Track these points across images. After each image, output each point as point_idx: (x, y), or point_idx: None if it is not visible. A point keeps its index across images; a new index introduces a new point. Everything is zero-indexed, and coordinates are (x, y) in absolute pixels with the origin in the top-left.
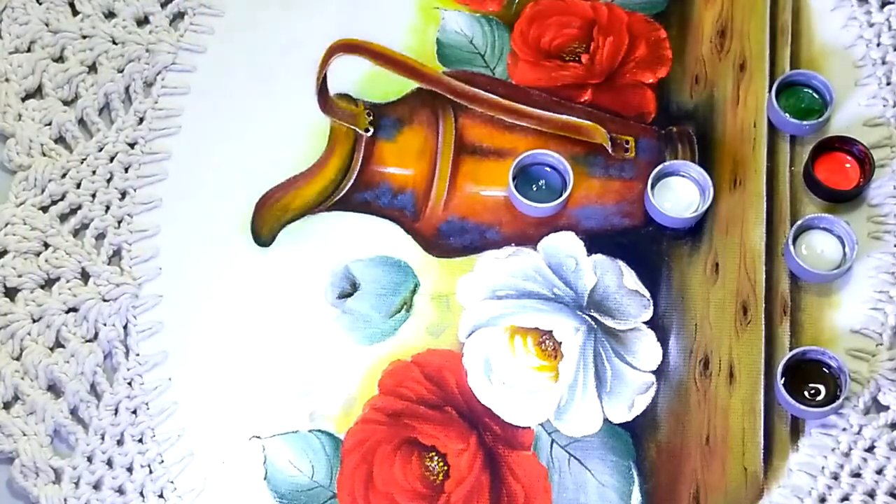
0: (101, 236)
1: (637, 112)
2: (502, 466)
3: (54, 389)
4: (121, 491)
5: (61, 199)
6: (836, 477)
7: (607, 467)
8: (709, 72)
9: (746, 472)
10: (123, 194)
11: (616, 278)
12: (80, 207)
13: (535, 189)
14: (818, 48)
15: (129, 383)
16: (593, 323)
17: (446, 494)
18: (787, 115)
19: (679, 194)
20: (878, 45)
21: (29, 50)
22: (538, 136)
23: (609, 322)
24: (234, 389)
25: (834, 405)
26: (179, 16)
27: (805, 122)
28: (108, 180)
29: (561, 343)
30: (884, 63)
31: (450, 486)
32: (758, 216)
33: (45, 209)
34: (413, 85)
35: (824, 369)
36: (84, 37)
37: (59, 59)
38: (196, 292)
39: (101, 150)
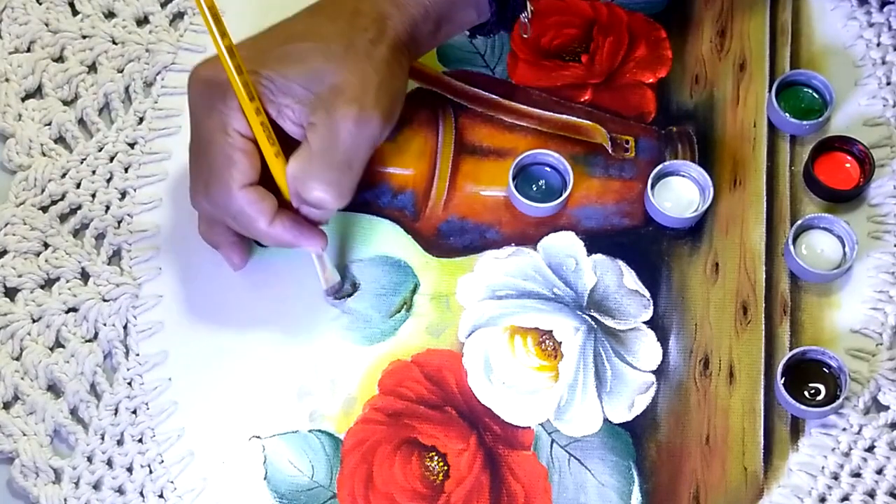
0: (100, 236)
1: (637, 112)
2: (502, 466)
3: (54, 389)
4: (121, 491)
5: (61, 199)
6: (836, 477)
7: (607, 467)
8: (709, 71)
9: (746, 472)
10: (123, 194)
11: (616, 278)
12: (79, 207)
13: (534, 189)
14: (818, 48)
15: (129, 383)
16: (593, 323)
17: (446, 494)
18: (787, 114)
19: (679, 194)
20: (878, 44)
21: (29, 50)
22: (538, 136)
23: (609, 322)
24: (233, 389)
25: (834, 405)
26: (179, 16)
27: (805, 122)
28: (108, 180)
29: (561, 343)
30: (884, 63)
31: (450, 485)
32: (758, 216)
33: (44, 209)
34: (413, 85)
35: (824, 369)
36: (84, 37)
37: (59, 59)
38: (196, 292)
39: (100, 150)
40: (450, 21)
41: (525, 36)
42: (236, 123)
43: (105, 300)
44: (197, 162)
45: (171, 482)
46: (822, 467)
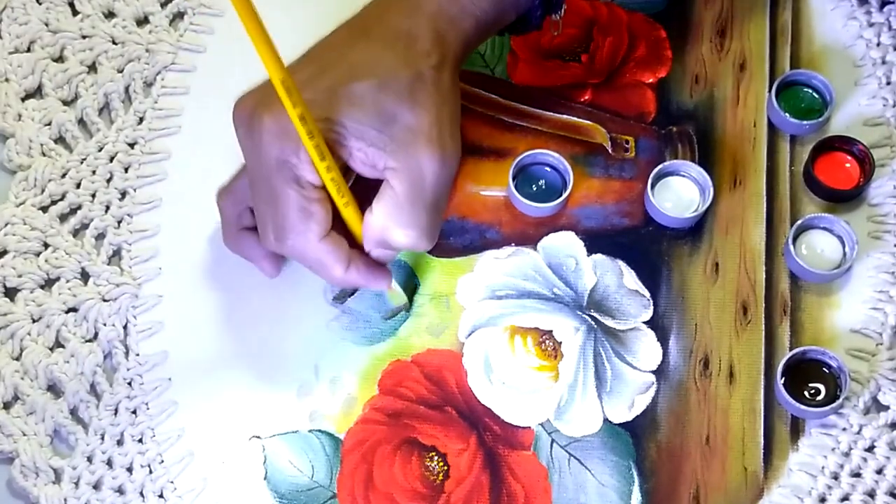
0: (100, 236)
1: (637, 112)
2: (502, 466)
3: (54, 389)
4: (121, 491)
5: (61, 199)
6: (836, 477)
7: (607, 467)
8: (709, 71)
9: (746, 472)
10: (123, 194)
11: (616, 278)
12: (79, 207)
13: (534, 189)
14: (818, 48)
15: (129, 383)
16: (593, 323)
17: (446, 494)
18: (787, 114)
19: (679, 194)
20: (878, 44)
21: (29, 50)
22: (538, 136)
23: (609, 322)
24: (233, 389)
25: (834, 405)
26: (179, 16)
27: (805, 122)
28: (108, 180)
29: (561, 343)
30: (884, 63)
31: (450, 485)
32: (758, 216)
33: (44, 209)
34: None
35: (824, 369)
36: (84, 37)
37: (59, 59)
38: (196, 292)
39: (100, 150)
40: (495, 26)
41: (556, 34)
42: (310, 176)
43: (105, 300)
44: (259, 209)
45: (171, 482)
46: (822, 467)
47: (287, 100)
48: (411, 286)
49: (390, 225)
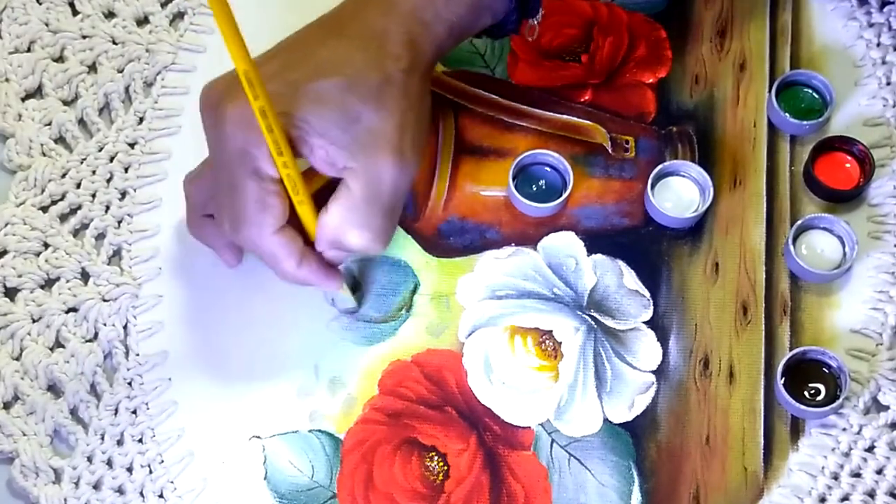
0: (101, 236)
1: (637, 112)
2: (502, 466)
3: (54, 389)
4: (121, 491)
5: (61, 199)
6: (836, 477)
7: (607, 467)
8: (709, 72)
9: (746, 472)
10: (123, 194)
11: (616, 278)
12: (80, 207)
13: (534, 189)
14: (818, 48)
15: (129, 383)
16: (593, 323)
17: (446, 494)
18: (787, 114)
19: (679, 194)
20: (878, 45)
21: (29, 50)
22: (538, 136)
23: (609, 322)
24: (233, 389)
25: (834, 405)
26: (179, 16)
27: (805, 122)
28: (108, 180)
29: (561, 343)
30: (884, 63)
31: (450, 485)
32: (758, 216)
33: (45, 209)
34: None
35: (824, 369)
36: (84, 37)
37: (59, 59)
38: (196, 292)
39: (101, 150)
40: (469, 31)
41: (531, 39)
42: (269, 169)
43: (105, 300)
44: (218, 197)
45: (171, 482)
46: (822, 467)
47: (249, 92)
48: (411, 286)
49: (345, 225)
